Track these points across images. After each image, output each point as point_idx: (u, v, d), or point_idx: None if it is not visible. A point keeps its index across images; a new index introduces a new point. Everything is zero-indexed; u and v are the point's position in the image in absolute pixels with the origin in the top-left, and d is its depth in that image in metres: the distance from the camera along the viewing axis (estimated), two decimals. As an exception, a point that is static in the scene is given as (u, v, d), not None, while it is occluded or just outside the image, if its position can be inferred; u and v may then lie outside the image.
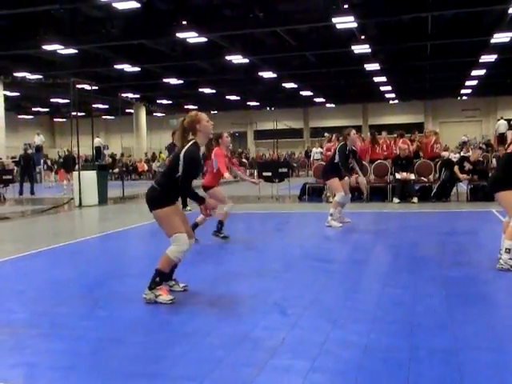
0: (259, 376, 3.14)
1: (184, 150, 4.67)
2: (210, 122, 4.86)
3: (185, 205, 11.75)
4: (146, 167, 32.73)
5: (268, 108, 43.06)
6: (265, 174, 14.72)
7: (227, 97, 35.92)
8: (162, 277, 4.73)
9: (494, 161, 13.91)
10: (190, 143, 4.73)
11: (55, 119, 48.03)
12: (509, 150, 5.85)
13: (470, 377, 3.04)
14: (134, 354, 3.58)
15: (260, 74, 27.67)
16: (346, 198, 8.83)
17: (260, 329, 3.99)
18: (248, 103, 39.69)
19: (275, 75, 28.00)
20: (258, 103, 40.26)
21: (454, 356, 3.34)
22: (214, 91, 33.02)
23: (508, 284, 5.30)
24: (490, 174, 5.99)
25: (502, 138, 19.63)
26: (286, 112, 41.77)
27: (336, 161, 8.67)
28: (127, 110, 35.98)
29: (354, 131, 8.86)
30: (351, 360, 3.36)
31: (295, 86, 31.90)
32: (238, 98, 36.73)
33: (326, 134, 17.69)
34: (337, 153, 8.72)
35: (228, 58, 23.35)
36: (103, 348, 3.71)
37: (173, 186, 4.69)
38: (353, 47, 22.17)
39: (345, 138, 8.78)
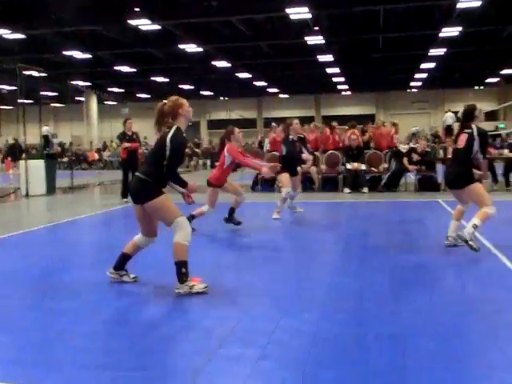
0: (208, 365, 3.15)
1: (171, 135, 4.53)
2: (191, 108, 4.79)
3: (124, 195, 11.60)
4: (96, 156, 32.10)
5: (222, 98, 42.89)
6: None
7: (180, 86, 35.50)
8: (186, 266, 4.52)
9: (441, 152, 14.29)
10: (173, 128, 4.59)
11: (1, 107, 46.42)
12: (460, 145, 6.04)
13: (415, 363, 3.13)
14: (82, 345, 3.52)
15: (214, 63, 27.46)
16: (294, 193, 8.89)
17: (210, 318, 3.99)
18: (202, 92, 39.36)
19: (229, 65, 27.85)
20: (211, 93, 39.98)
21: (400, 343, 3.43)
22: (166, 80, 32.57)
23: (454, 271, 5.48)
24: (446, 171, 6.21)
25: (449, 130, 20.16)
26: (239, 102, 41.72)
27: (284, 153, 8.73)
28: (77, 98, 35.09)
29: (296, 121, 8.90)
30: (300, 348, 3.40)
31: (249, 75, 31.84)
32: (192, 87, 36.38)
33: (273, 124, 17.64)
34: (283, 146, 8.79)
35: (181, 46, 23.06)
36: (50, 340, 3.63)
37: (162, 173, 4.56)
38: (306, 38, 22.28)
39: (287, 128, 8.84)
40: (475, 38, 24.00)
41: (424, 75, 33.72)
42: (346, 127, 15.29)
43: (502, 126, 33.54)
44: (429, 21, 21.27)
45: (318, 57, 26.28)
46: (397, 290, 4.66)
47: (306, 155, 9.03)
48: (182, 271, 4.49)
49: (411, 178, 13.82)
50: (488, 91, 38.72)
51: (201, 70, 30.54)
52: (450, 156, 12.95)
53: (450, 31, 21.54)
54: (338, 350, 3.34)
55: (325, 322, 3.85)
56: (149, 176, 4.57)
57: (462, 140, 6.05)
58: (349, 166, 13.18)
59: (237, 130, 7.82)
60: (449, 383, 2.89)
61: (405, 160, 12.92)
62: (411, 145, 14.13)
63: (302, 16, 18.98)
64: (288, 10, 17.86)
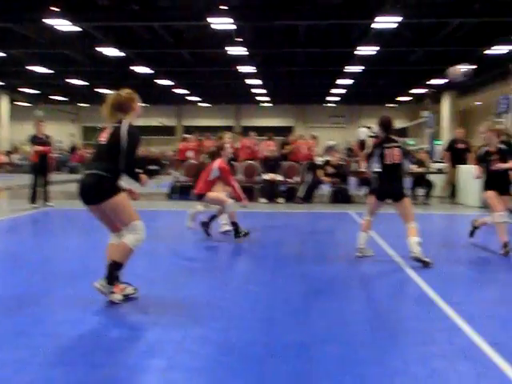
0: (115, 376, 3.07)
1: (127, 129, 4.33)
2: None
3: (33, 200, 11.18)
4: (4, 159, 30.65)
5: (141, 104, 42.18)
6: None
7: (98, 90, 34.65)
8: (120, 269, 4.37)
9: (354, 165, 14.79)
10: (126, 122, 4.39)
11: None
12: (396, 160, 6.18)
13: (320, 370, 3.20)
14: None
15: (134, 68, 27.03)
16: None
17: (118, 328, 3.89)
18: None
19: (150, 71, 27.52)
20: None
21: (307, 350, 3.50)
22: (84, 83, 31.68)
23: (362, 281, 5.66)
24: (386, 185, 6.31)
25: (362, 145, 20.95)
26: (159, 109, 41.21)
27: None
28: (-13, 98, 33.39)
29: (227, 145, 8.55)
30: (209, 357, 3.39)
31: (170, 83, 31.61)
32: (110, 91, 35.57)
33: (186, 136, 17.40)
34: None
35: (100, 49, 22.53)
36: None
37: (118, 168, 4.33)
38: (228, 48, 22.43)
39: (219, 150, 8.49)
40: (389, 57, 25.18)
41: (341, 91, 34.87)
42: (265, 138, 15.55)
43: (411, 142, 35.21)
44: (346, 38, 22.07)
45: (240, 68, 26.53)
46: (307, 299, 4.76)
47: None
48: (115, 273, 4.34)
49: (325, 189, 14.20)
50: (400, 109, 40.57)
51: (120, 75, 29.95)
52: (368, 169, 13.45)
53: (366, 50, 22.44)
54: (247, 359, 3.36)
55: (235, 330, 3.86)
56: (107, 171, 4.30)
57: (398, 155, 6.21)
58: (266, 177, 13.36)
59: (227, 145, 8.02)
60: (351, 389, 2.98)
61: (320, 172, 13.27)
62: (326, 157, 14.50)
63: (225, 27, 19.11)
64: (210, 20, 17.92)
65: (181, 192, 14.24)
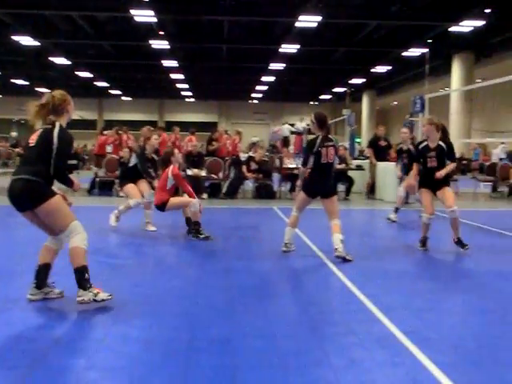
0: (32, 377, 2.95)
1: (57, 132, 4.14)
2: None
3: None
4: None
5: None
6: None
7: (13, 80, 33.13)
8: (87, 271, 4.18)
9: (277, 161, 14.98)
10: (57, 125, 4.19)
11: None
12: (330, 159, 6.22)
13: (244, 363, 3.23)
14: None
15: (51, 59, 26.03)
16: (149, 196, 8.11)
17: (36, 328, 3.74)
18: (37, 89, 37.05)
19: (69, 62, 26.60)
20: (48, 90, 37.76)
21: (230, 344, 3.51)
22: (-3, 73, 30.23)
23: (285, 274, 5.75)
24: (318, 182, 6.36)
25: (285, 141, 21.25)
26: (79, 102, 39.83)
27: (131, 164, 8.26)
28: None
29: (155, 136, 8.50)
30: (130, 355, 3.32)
31: (90, 75, 30.72)
32: (26, 82, 34.14)
33: (105, 132, 16.99)
34: (134, 156, 8.31)
35: (15, 38, 21.52)
36: None
37: (50, 172, 4.12)
38: (151, 42, 22.08)
39: (145, 141, 8.35)
40: (311, 56, 25.70)
41: (264, 87, 35.22)
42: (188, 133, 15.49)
43: (358, 140, 36.16)
44: (270, 36, 22.30)
45: (163, 62, 26.19)
46: (230, 294, 4.77)
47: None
48: (85, 277, 4.16)
49: (249, 185, 14.30)
50: (321, 107, 41.53)
51: (37, 66, 28.77)
52: (294, 166, 13.65)
53: (289, 48, 22.78)
54: (169, 355, 3.32)
55: (157, 328, 3.81)
56: (37, 176, 4.07)
57: (332, 154, 6.25)
58: (189, 172, 13.26)
59: (176, 150, 7.95)
60: (274, 380, 3.02)
61: (244, 168, 13.34)
62: (250, 154, 14.60)
63: (147, 19, 18.80)
64: (133, 12, 17.57)
65: (101, 187, 13.88)
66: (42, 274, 4.32)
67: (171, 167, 7.62)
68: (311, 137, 6.54)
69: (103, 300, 4.18)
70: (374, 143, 13.67)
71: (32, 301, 4.17)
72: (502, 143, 20.89)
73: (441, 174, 6.60)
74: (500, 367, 3.26)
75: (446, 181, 6.78)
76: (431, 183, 6.74)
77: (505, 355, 3.46)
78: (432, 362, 3.24)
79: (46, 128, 4.22)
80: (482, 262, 6.30)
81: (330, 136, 6.35)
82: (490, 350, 3.53)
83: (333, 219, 6.23)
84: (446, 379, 3.03)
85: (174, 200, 7.59)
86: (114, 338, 3.58)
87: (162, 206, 7.54)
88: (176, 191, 7.91)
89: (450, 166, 6.72)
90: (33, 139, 4.22)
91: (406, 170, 9.63)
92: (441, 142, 6.73)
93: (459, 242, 6.68)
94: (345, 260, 6.00)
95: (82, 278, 4.16)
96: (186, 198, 7.72)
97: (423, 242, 6.89)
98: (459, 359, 3.37)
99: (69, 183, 4.36)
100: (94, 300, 4.16)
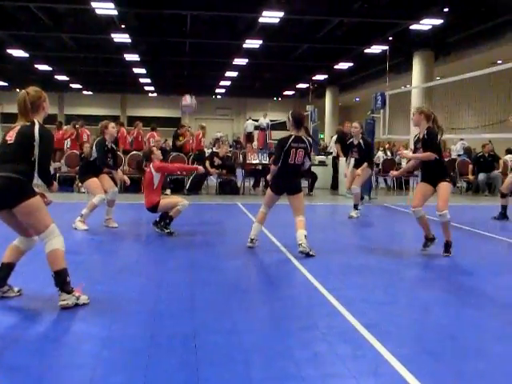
0: (-15, 379, 2.87)
1: (38, 129, 4.06)
2: None
3: None
4: None
5: (18, 90, 39.75)
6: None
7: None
8: (65, 274, 4.09)
9: (241, 157, 14.97)
10: (36, 122, 4.11)
11: None
12: (299, 161, 6.26)
13: (206, 358, 3.21)
14: None
15: (9, 51, 25.33)
16: (112, 194, 7.97)
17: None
18: (-6, 82, 36.14)
19: (26, 54, 25.93)
20: (6, 83, 36.83)
21: (193, 340, 3.49)
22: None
23: (250, 269, 5.76)
24: (284, 180, 6.36)
25: (249, 137, 21.32)
26: (39, 96, 39.08)
27: (92, 158, 8.01)
28: None
29: (112, 124, 8.30)
30: (90, 353, 3.27)
31: (49, 68, 30.03)
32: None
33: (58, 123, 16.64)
34: (94, 149, 7.92)
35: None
36: None
37: (32, 170, 4.05)
38: (113, 35, 21.71)
39: (102, 131, 8.01)
40: (274, 52, 25.72)
41: (228, 83, 35.12)
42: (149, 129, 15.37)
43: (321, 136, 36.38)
44: (233, 31, 22.22)
45: (125, 55, 25.82)
46: (193, 289, 4.74)
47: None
48: (66, 280, 4.08)
49: (213, 181, 14.24)
50: (285, 102, 41.68)
51: (-8, 58, 27.97)
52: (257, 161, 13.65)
53: (252, 43, 22.74)
54: (130, 352, 3.28)
55: (118, 325, 3.76)
56: (19, 173, 3.98)
57: (301, 156, 6.25)
58: (152, 168, 13.13)
59: (155, 149, 7.83)
60: (236, 375, 3.01)
61: (207, 163, 13.27)
62: (214, 149, 14.56)
63: (107, 12, 18.48)
64: (93, 4, 17.24)
65: (62, 183, 13.59)
66: (3, 273, 4.23)
67: (151, 165, 7.50)
68: (285, 134, 6.42)
69: (84, 304, 4.12)
70: (341, 139, 13.82)
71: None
72: (461, 139, 21.35)
73: (395, 172, 8.11)
74: (458, 359, 3.34)
75: (442, 175, 6.28)
76: (427, 177, 6.38)
77: (463, 347, 3.54)
78: (392, 355, 3.29)
79: (24, 125, 4.13)
80: (441, 256, 6.43)
81: (304, 137, 6.33)
82: (448, 342, 3.61)
83: (297, 216, 6.26)
84: (405, 371, 3.08)
85: (164, 201, 7.50)
86: (73, 336, 3.52)
87: (153, 208, 7.43)
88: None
89: (416, 155, 6.42)
90: (10, 136, 4.11)
91: (356, 164, 9.79)
92: (425, 131, 6.24)
93: (446, 245, 6.35)
94: (308, 255, 6.03)
95: (63, 281, 4.08)
96: (175, 198, 7.77)
97: (426, 242, 6.53)
98: (418, 351, 3.44)
99: (50, 182, 4.32)
100: (76, 304, 4.09)
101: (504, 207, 9.73)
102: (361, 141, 9.83)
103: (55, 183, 4.43)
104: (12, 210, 4.00)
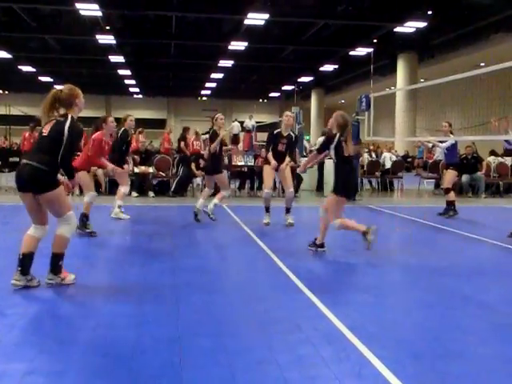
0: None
1: (69, 125, 4.50)
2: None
3: None
4: None
5: (1, 91, 39.35)
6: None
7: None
8: (61, 259, 4.67)
9: (226, 159, 14.93)
10: (69, 118, 4.55)
11: None
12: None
13: (190, 361, 3.19)
14: None
15: (-9, 52, 25.12)
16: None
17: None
18: (-23, 83, 35.77)
19: (9, 56, 25.71)
20: (-11, 84, 36.55)
21: (177, 343, 3.47)
22: None
23: (233, 271, 5.74)
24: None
25: (235, 139, 21.30)
26: (23, 97, 38.71)
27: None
28: None
29: (111, 119, 8.15)
30: (72, 358, 3.23)
31: (33, 69, 29.81)
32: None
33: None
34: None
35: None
36: None
37: (57, 162, 4.49)
38: (97, 36, 21.61)
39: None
40: (260, 54, 25.75)
41: (214, 85, 35.09)
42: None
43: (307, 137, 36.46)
44: (219, 33, 22.22)
45: (110, 57, 25.71)
46: (178, 292, 4.72)
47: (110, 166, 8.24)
48: (59, 263, 4.63)
49: (198, 183, 14.20)
50: (271, 104, 41.78)
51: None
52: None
53: (238, 45, 22.76)
54: (115, 357, 3.25)
55: (102, 329, 3.73)
56: (46, 165, 4.42)
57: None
58: (136, 170, 13.07)
59: (110, 119, 7.83)
60: (220, 379, 3.00)
61: (192, 165, 13.24)
62: (201, 151, 14.49)
63: (92, 13, 18.39)
64: (78, 6, 17.15)
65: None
66: (27, 262, 4.56)
67: (98, 133, 7.49)
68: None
69: (69, 284, 4.67)
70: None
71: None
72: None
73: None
74: (441, 360, 3.35)
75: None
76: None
77: (446, 348, 3.56)
78: (376, 357, 3.30)
79: (58, 119, 4.55)
80: (425, 257, 6.46)
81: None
82: (431, 343, 3.63)
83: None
84: (388, 373, 3.09)
85: (85, 175, 7.36)
86: (54, 341, 3.48)
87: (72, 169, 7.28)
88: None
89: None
90: (46, 129, 4.55)
91: (280, 158, 8.54)
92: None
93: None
94: (209, 217, 6.89)
95: (57, 263, 4.62)
96: (91, 184, 7.56)
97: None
98: (401, 353, 3.45)
99: (71, 174, 4.78)
100: (61, 283, 4.64)
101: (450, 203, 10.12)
102: (291, 133, 8.77)
103: (76, 178, 4.98)
104: (36, 196, 4.43)
